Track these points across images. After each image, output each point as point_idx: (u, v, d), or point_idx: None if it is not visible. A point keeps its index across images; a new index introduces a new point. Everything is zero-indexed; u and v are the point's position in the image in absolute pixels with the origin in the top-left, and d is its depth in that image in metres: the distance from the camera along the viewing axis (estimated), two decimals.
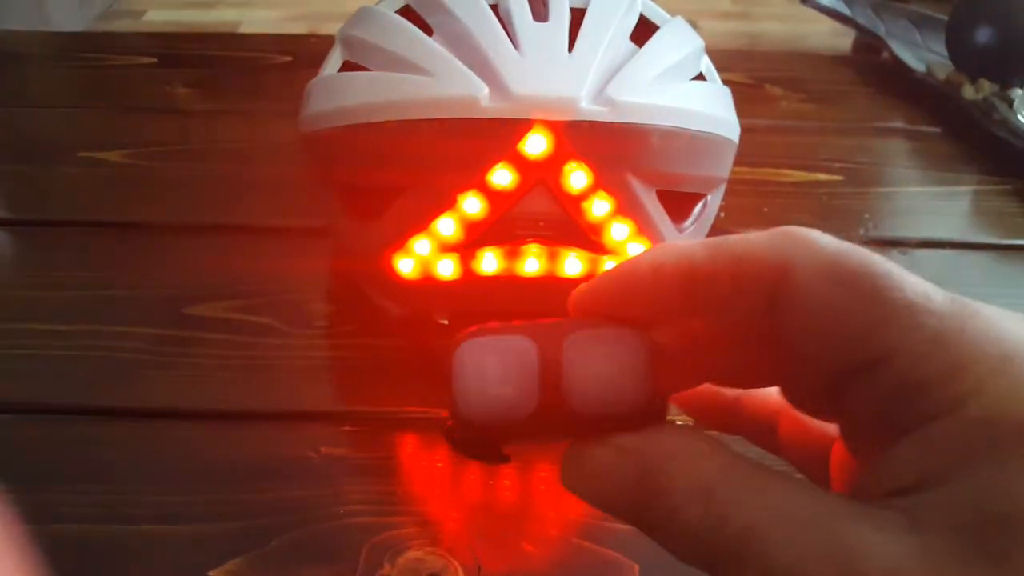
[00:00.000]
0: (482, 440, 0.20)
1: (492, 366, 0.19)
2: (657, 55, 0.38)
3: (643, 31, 0.40)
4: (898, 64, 0.73)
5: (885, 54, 0.77)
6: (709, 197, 0.44)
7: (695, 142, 0.38)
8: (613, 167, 0.35)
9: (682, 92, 0.38)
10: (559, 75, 0.34)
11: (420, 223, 0.38)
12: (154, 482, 0.38)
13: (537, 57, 0.35)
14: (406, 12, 0.41)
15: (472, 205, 0.36)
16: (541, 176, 0.35)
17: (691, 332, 0.20)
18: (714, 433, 0.19)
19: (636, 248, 0.38)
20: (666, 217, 0.39)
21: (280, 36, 0.77)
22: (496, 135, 0.34)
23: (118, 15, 1.77)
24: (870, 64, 0.79)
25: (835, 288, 0.17)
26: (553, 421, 0.18)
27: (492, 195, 0.36)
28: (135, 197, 0.56)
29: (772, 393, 0.21)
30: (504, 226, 0.37)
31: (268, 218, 0.54)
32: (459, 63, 0.35)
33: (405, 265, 0.40)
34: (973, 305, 0.17)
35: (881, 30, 0.75)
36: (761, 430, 0.23)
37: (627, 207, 0.37)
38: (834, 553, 0.15)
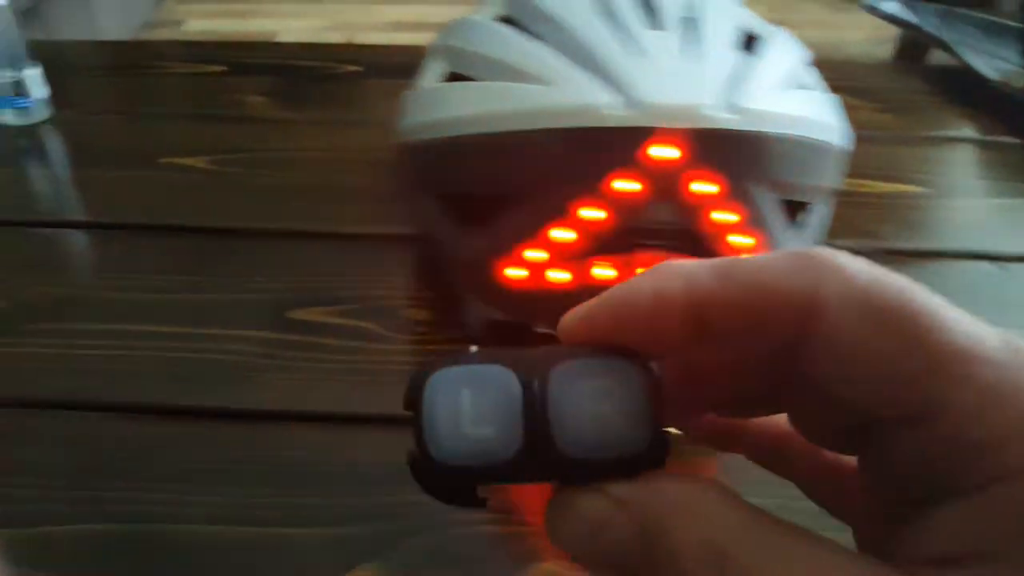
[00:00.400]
0: (455, 483, 0.17)
1: (468, 402, 0.16)
2: (774, 64, 0.38)
3: (747, 40, 0.41)
4: (967, 72, 0.73)
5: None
6: (818, 207, 0.44)
7: (816, 151, 0.38)
8: (739, 176, 0.36)
9: (802, 100, 0.38)
10: (684, 82, 0.35)
11: (533, 232, 0.38)
12: (279, 484, 0.38)
13: (659, 65, 0.35)
14: (506, 22, 0.41)
15: (591, 214, 0.37)
16: (666, 185, 0.35)
17: (695, 360, 0.18)
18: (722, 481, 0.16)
19: None
20: (787, 227, 0.39)
21: (347, 46, 0.78)
22: (621, 143, 0.34)
23: (158, 25, 1.79)
24: (937, 72, 0.79)
25: (872, 328, 0.14)
26: (538, 465, 0.16)
27: (613, 204, 0.36)
28: (224, 203, 0.57)
29: (781, 416, 0.19)
30: (622, 236, 0.38)
31: (355, 225, 0.55)
32: (579, 71, 0.35)
33: (514, 273, 0.41)
34: None
35: (949, 37, 0.75)
36: (766, 453, 0.21)
37: (751, 217, 0.37)
38: None
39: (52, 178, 0.61)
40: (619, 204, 0.36)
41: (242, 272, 0.51)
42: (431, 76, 0.43)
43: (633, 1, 0.38)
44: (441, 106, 0.39)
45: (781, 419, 0.20)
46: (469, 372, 0.16)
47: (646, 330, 0.16)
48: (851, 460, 0.18)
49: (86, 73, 0.74)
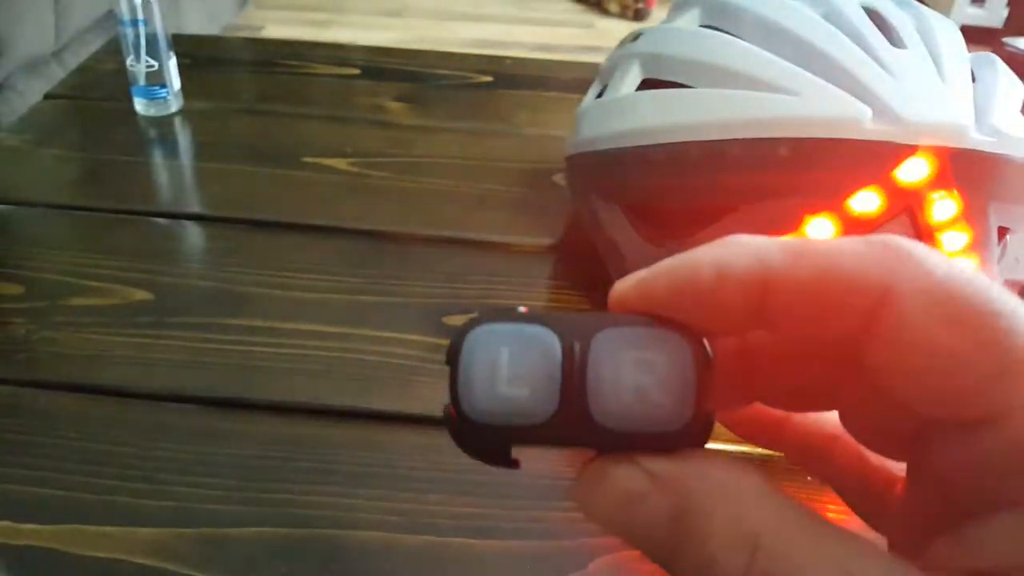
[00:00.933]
0: (486, 439, 0.16)
1: (506, 360, 0.15)
2: (1010, 90, 0.37)
3: None
4: None
5: None
6: (1011, 237, 0.42)
7: None
8: (982, 199, 0.34)
9: None
10: (941, 102, 0.33)
11: None
12: (457, 492, 0.37)
13: (912, 82, 0.34)
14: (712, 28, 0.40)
15: (822, 229, 0.35)
16: (908, 204, 0.34)
17: (749, 344, 0.17)
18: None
19: None
20: (998, 253, 0.38)
21: (477, 56, 0.77)
22: (874, 158, 0.33)
23: (238, 29, 1.82)
24: None
25: (946, 325, 0.14)
26: (571, 432, 0.15)
27: (846, 220, 0.35)
28: (372, 206, 0.56)
29: (828, 416, 0.18)
30: None
31: (505, 235, 0.54)
32: (828, 83, 0.34)
33: None
34: None
35: None
36: (808, 453, 0.19)
37: (979, 241, 0.35)
38: None
39: (188, 170, 0.61)
40: (854, 222, 0.35)
41: (395, 275, 0.50)
42: (626, 84, 0.42)
43: (866, 17, 0.36)
44: (652, 114, 0.38)
45: (828, 419, 0.19)
46: (511, 330, 0.16)
47: (705, 305, 0.15)
48: (897, 467, 0.17)
49: (215, 68, 0.74)
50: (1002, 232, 0.41)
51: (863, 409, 0.17)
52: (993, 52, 0.78)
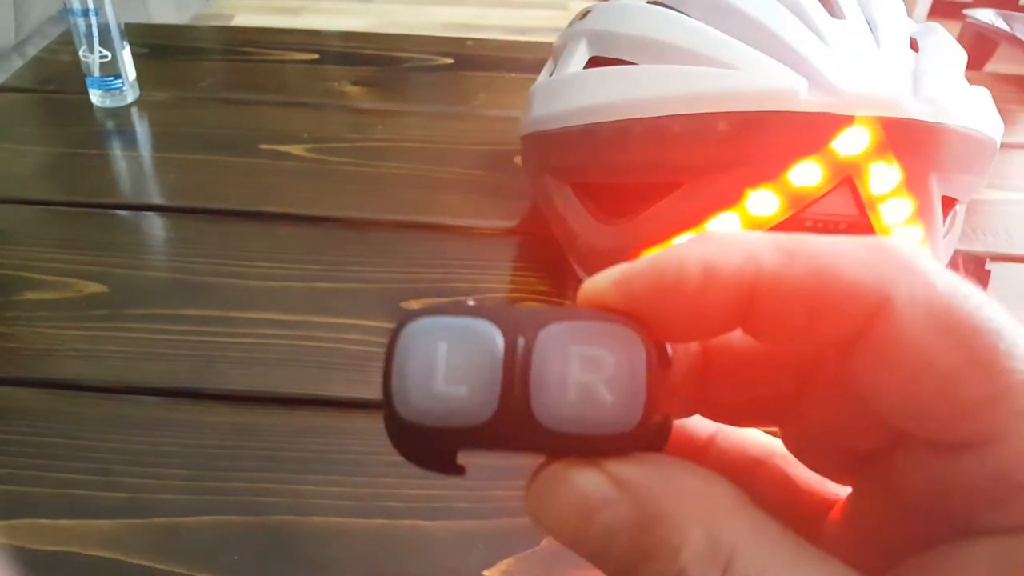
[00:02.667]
0: (428, 444, 0.15)
1: (443, 355, 0.14)
2: (948, 58, 0.37)
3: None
4: None
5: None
6: (959, 208, 0.43)
7: (986, 146, 0.37)
8: (921, 168, 0.34)
9: (974, 95, 0.37)
10: (877, 72, 0.33)
11: (692, 221, 0.37)
12: (409, 475, 0.37)
13: (848, 53, 0.34)
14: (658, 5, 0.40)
15: (763, 202, 0.35)
16: (847, 174, 0.34)
17: (711, 348, 0.16)
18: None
19: None
20: (943, 223, 0.38)
21: (437, 38, 0.77)
22: (812, 130, 0.33)
23: (209, 18, 1.79)
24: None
25: (942, 339, 0.13)
26: (513, 434, 0.14)
27: (787, 193, 0.35)
28: (329, 191, 0.56)
29: (753, 437, 0.17)
30: (787, 226, 0.36)
31: (464, 218, 0.54)
32: (766, 56, 0.34)
33: None
34: None
35: None
36: (731, 470, 0.17)
37: (923, 210, 0.35)
38: None
39: (145, 161, 0.61)
40: (794, 193, 0.35)
41: (353, 261, 0.49)
42: (574, 63, 0.41)
43: None
44: (598, 91, 0.38)
45: (753, 443, 0.18)
46: (451, 324, 0.14)
47: (689, 307, 0.14)
48: (834, 491, 0.16)
49: (172, 57, 0.73)
50: (950, 202, 0.41)
51: (819, 424, 0.16)
52: (961, 24, 0.78)
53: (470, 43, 0.75)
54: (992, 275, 0.46)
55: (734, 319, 0.14)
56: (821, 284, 0.13)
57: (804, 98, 0.33)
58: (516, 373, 0.14)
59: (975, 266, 0.46)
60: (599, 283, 0.14)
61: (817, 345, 0.14)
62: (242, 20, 1.85)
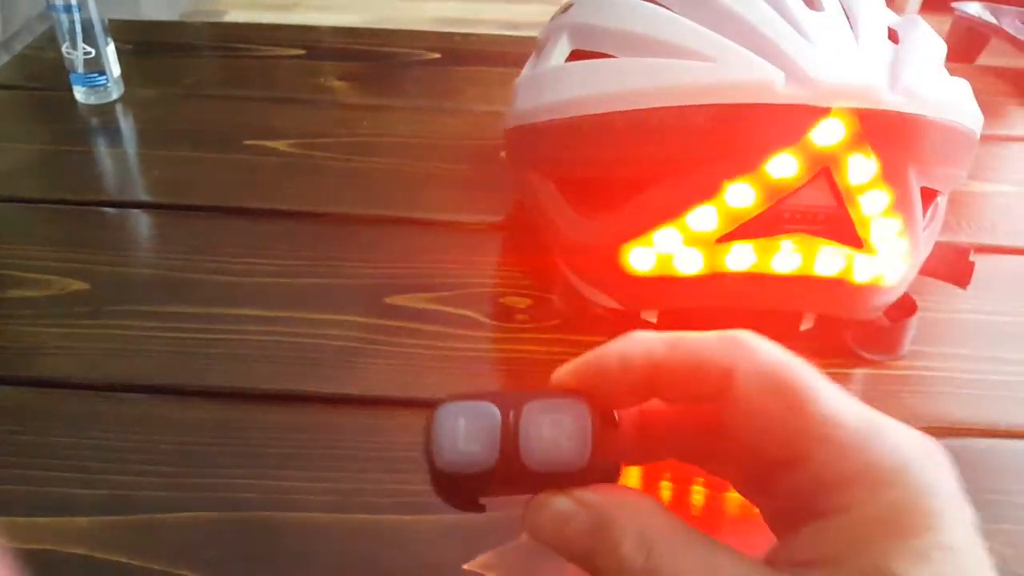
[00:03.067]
0: (457, 489, 0.22)
1: (463, 426, 0.21)
2: (927, 50, 0.37)
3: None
4: None
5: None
6: (940, 200, 0.43)
7: (965, 138, 0.37)
8: (899, 159, 0.34)
9: (953, 87, 0.37)
10: (854, 63, 0.33)
11: (672, 214, 0.37)
12: (391, 470, 0.37)
13: (826, 45, 0.34)
14: None
15: (741, 195, 0.35)
16: (824, 166, 0.34)
17: (657, 413, 0.23)
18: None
19: (898, 247, 0.37)
20: (922, 216, 0.38)
21: (424, 33, 0.76)
22: (789, 122, 0.33)
23: (200, 14, 1.78)
24: (1009, 74, 0.77)
25: (769, 396, 0.20)
26: (510, 475, 0.21)
27: (765, 185, 0.35)
28: (312, 186, 0.56)
29: None
30: (766, 218, 0.36)
31: (449, 213, 0.54)
32: (744, 49, 0.34)
33: (640, 259, 0.39)
34: (882, 422, 0.20)
35: None
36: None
37: (901, 202, 0.35)
38: None
39: (129, 158, 0.60)
40: (772, 185, 0.34)
41: (337, 257, 0.49)
42: (555, 56, 0.41)
43: None
44: (578, 84, 0.38)
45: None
46: (467, 406, 0.22)
47: (616, 385, 0.22)
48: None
49: (157, 53, 0.73)
50: (932, 194, 0.41)
51: (731, 461, 0.23)
52: (950, 17, 0.78)
53: (458, 38, 0.75)
54: (976, 266, 0.46)
55: (646, 391, 0.21)
56: (689, 364, 0.21)
57: (781, 90, 0.33)
58: (509, 435, 0.21)
59: (959, 257, 0.46)
60: (562, 372, 0.22)
61: (698, 403, 0.21)
62: (234, 17, 1.84)
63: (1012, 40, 0.76)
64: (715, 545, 0.20)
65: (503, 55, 0.72)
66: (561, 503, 0.21)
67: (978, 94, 0.71)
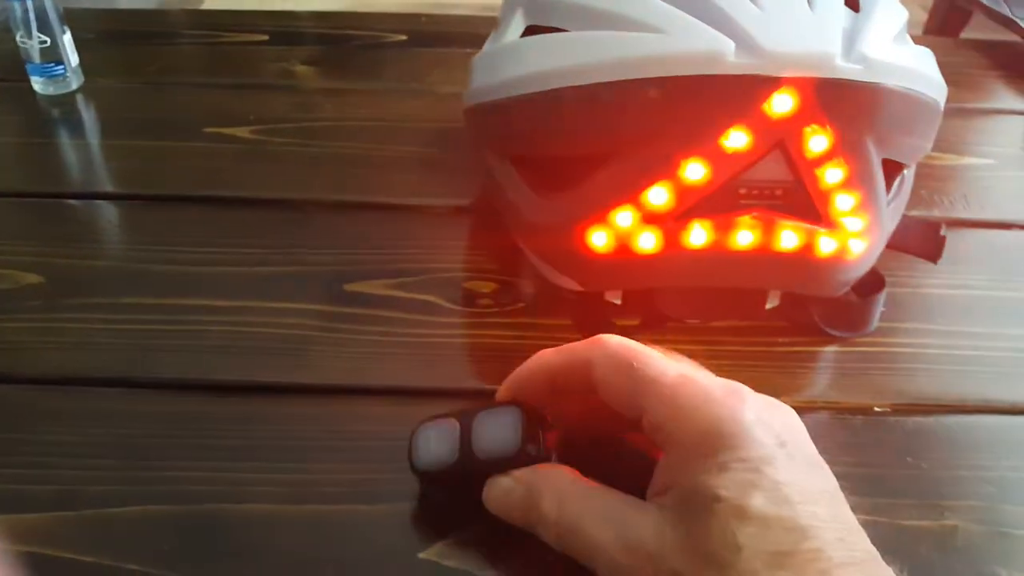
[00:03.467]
0: (434, 483, 0.33)
1: (433, 437, 0.32)
2: (886, 17, 0.36)
3: None
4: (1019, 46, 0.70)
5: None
6: (907, 172, 0.42)
7: (926, 108, 0.36)
8: (856, 130, 0.33)
9: (914, 55, 0.36)
10: (805, 32, 0.32)
11: (628, 193, 0.36)
12: (345, 460, 0.36)
13: (779, 13, 0.33)
14: None
15: (694, 171, 0.34)
16: (779, 139, 0.33)
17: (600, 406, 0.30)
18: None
19: (859, 222, 0.36)
20: (885, 189, 0.37)
21: (391, 15, 0.75)
22: (741, 93, 0.32)
23: (178, 2, 1.76)
24: (986, 47, 0.77)
25: (614, 373, 0.29)
26: (468, 466, 0.31)
27: (719, 160, 0.34)
28: (272, 173, 0.55)
29: None
30: (722, 195, 0.35)
31: (411, 197, 0.53)
32: (694, 19, 0.33)
33: (599, 239, 0.38)
34: (695, 374, 0.29)
35: (1016, 14, 0.73)
36: None
37: (859, 175, 0.34)
38: (621, 530, 0.27)
39: (88, 148, 0.59)
40: (726, 160, 0.34)
41: (295, 244, 0.48)
42: (510, 32, 0.40)
43: None
44: (530, 60, 0.37)
45: None
46: (436, 423, 0.32)
47: (534, 389, 0.32)
48: None
49: (131, 41, 0.71)
50: (896, 167, 0.40)
51: (625, 429, 0.31)
52: None
53: (424, 19, 0.74)
54: (949, 240, 0.45)
55: (552, 390, 0.31)
56: (569, 365, 0.31)
57: (731, 60, 0.32)
58: (466, 438, 0.31)
59: (930, 231, 0.45)
60: (502, 389, 0.33)
61: (588, 392, 0.30)
62: (213, 4, 1.81)
63: (991, 14, 0.75)
64: (607, 493, 0.28)
65: (471, 36, 0.71)
66: (504, 481, 0.30)
67: (960, 67, 0.71)
